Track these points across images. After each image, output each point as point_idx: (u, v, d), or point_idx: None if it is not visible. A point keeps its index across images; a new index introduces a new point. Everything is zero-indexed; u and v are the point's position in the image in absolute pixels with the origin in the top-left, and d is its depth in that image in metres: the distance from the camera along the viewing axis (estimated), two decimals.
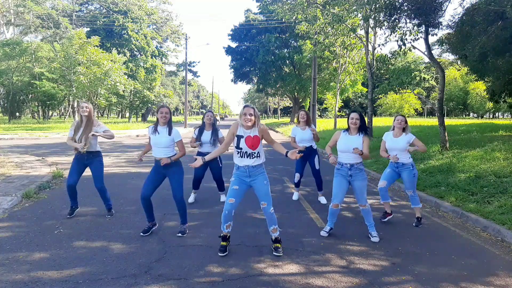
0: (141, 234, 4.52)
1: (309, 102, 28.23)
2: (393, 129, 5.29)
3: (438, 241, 4.62)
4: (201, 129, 6.04)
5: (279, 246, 4.07)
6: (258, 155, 3.95)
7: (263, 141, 4.05)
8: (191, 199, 6.28)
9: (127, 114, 54.21)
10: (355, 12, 15.02)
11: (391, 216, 5.35)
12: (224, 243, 4.04)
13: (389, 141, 5.24)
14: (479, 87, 47.44)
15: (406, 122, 5.24)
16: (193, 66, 63.99)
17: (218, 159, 6.15)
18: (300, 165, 6.43)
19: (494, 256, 4.17)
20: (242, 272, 3.55)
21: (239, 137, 3.90)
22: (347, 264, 3.83)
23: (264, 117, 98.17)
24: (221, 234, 4.07)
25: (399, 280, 3.47)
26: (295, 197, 6.62)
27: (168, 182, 4.65)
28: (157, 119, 4.55)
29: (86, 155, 5.11)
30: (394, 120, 5.29)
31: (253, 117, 3.85)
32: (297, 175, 6.48)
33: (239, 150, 3.92)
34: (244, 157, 3.92)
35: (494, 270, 3.78)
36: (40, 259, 3.74)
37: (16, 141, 17.24)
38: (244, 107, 3.91)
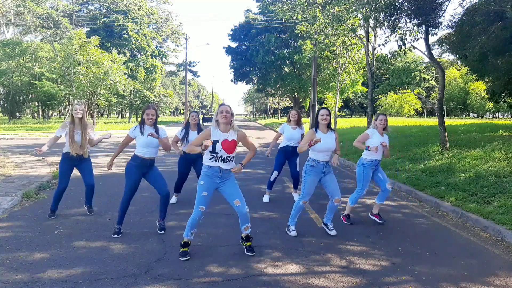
0: (114, 235, 4.43)
1: (309, 102, 28.24)
2: (375, 127, 5.25)
3: (438, 241, 4.62)
4: (186, 129, 6.02)
5: (251, 244, 4.03)
6: (232, 159, 3.91)
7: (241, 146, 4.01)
8: (173, 200, 6.21)
9: (127, 114, 54.24)
10: (355, 12, 15.01)
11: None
12: (185, 249, 3.91)
13: (377, 138, 5.14)
14: (479, 87, 47.40)
15: (387, 120, 5.28)
16: (193, 66, 64.04)
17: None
18: (280, 163, 6.39)
19: (494, 256, 4.17)
20: (242, 272, 3.55)
21: (215, 142, 3.76)
22: (347, 264, 3.83)
23: (264, 117, 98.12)
24: (183, 241, 3.94)
25: (399, 280, 3.47)
26: (266, 199, 6.44)
27: (167, 182, 4.66)
28: (143, 119, 4.53)
29: (78, 156, 5.07)
30: (376, 120, 5.24)
31: (229, 115, 3.80)
32: (276, 173, 6.39)
33: (214, 155, 3.80)
34: (218, 161, 3.83)
35: (494, 270, 3.78)
36: (40, 259, 3.74)
37: (16, 141, 17.23)
38: (221, 105, 3.88)
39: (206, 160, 3.87)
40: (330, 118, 4.61)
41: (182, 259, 3.83)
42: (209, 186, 3.87)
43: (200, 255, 3.94)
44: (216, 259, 3.85)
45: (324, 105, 45.32)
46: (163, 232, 4.59)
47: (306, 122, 30.52)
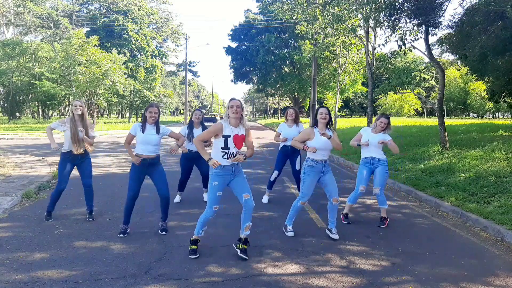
0: (119, 235, 4.45)
1: (309, 102, 28.22)
2: (375, 127, 5.29)
3: (438, 241, 4.62)
4: (190, 127, 6.06)
5: (246, 248, 3.93)
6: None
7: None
8: (177, 199, 6.25)
9: (127, 114, 54.24)
10: (355, 12, 15.00)
11: (387, 220, 5.25)
12: (194, 247, 3.93)
13: (366, 135, 5.28)
14: (479, 87, 47.37)
15: (389, 123, 5.24)
16: (193, 66, 64.08)
17: None
18: (280, 162, 6.34)
19: (494, 256, 4.17)
20: (242, 272, 3.55)
21: (227, 137, 3.74)
22: (347, 264, 3.83)
23: (264, 117, 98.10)
24: (193, 238, 3.97)
25: (399, 280, 3.47)
26: (265, 200, 6.39)
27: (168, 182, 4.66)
28: (145, 117, 4.54)
29: (79, 155, 4.99)
30: (377, 120, 5.27)
31: (240, 109, 3.78)
32: (276, 173, 6.34)
33: (226, 151, 3.76)
34: (231, 157, 3.79)
35: (494, 270, 3.78)
36: (40, 259, 3.74)
37: (16, 141, 17.23)
38: (231, 100, 3.83)
39: (219, 158, 3.79)
40: (330, 117, 4.59)
41: (192, 256, 3.85)
42: (222, 186, 3.87)
43: (200, 255, 3.94)
44: (216, 259, 3.84)
45: (324, 105, 45.28)
46: (164, 233, 4.57)
47: (306, 122, 30.50)
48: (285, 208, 5.97)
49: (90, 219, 5.11)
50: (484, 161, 8.23)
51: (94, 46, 29.17)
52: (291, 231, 4.66)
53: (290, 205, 6.19)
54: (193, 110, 6.75)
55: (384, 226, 5.10)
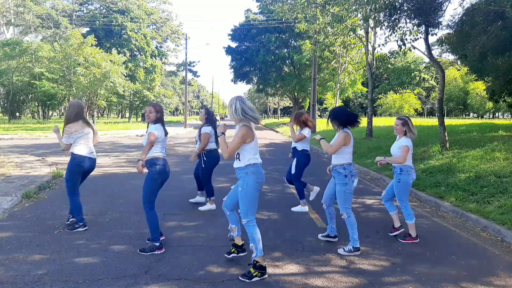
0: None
1: (309, 102, 28.22)
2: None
3: (438, 241, 4.62)
4: (214, 126, 5.78)
5: (235, 250, 3.87)
6: (238, 157, 3.52)
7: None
8: (196, 199, 6.27)
9: (127, 114, 54.23)
10: (354, 12, 15.01)
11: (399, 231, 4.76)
12: (232, 249, 3.89)
13: (394, 146, 4.75)
14: (479, 87, 47.42)
15: (403, 125, 4.56)
16: (193, 66, 63.89)
17: (202, 159, 5.84)
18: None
19: (494, 256, 4.17)
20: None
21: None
22: (347, 264, 3.83)
23: (264, 117, 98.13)
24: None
25: (399, 280, 3.47)
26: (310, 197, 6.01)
27: (168, 182, 4.60)
28: None
29: None
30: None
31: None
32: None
33: None
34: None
35: (494, 270, 3.78)
36: (40, 259, 3.74)
37: (16, 141, 17.23)
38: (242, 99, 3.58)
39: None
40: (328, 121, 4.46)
41: (226, 255, 3.85)
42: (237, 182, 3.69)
43: (200, 255, 3.94)
44: (216, 259, 3.85)
45: (324, 105, 45.16)
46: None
47: None
48: (285, 208, 5.97)
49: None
50: (484, 161, 8.23)
51: (91, 45, 29.13)
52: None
53: (290, 205, 6.23)
54: (203, 109, 6.50)
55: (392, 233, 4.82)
